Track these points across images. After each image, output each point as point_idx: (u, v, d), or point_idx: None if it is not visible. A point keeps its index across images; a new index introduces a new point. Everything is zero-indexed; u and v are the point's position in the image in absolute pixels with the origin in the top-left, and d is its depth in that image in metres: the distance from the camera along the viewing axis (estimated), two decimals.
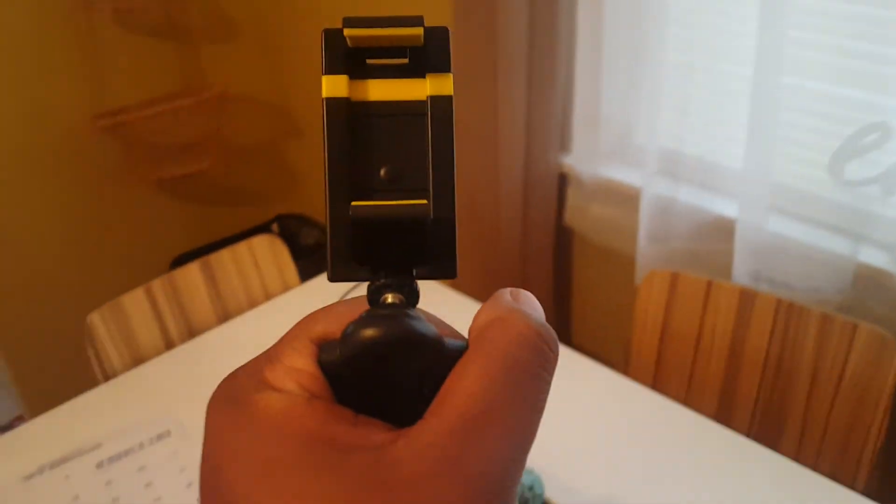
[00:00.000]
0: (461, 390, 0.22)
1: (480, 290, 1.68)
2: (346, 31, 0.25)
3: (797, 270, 1.25)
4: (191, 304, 1.44)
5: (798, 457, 1.28)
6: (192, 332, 1.43)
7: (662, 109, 1.38)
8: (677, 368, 1.37)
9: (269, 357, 0.25)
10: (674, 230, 1.40)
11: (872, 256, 1.20)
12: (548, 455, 1.05)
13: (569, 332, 1.84)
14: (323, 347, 0.25)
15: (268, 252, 1.53)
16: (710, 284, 1.29)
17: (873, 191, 1.18)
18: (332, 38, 0.25)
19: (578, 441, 1.09)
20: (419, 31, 0.25)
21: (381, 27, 0.25)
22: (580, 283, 1.76)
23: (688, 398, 1.37)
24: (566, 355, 1.26)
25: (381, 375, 0.24)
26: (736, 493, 1.00)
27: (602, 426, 1.12)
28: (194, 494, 1.02)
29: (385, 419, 0.23)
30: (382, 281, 0.25)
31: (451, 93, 0.25)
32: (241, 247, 1.50)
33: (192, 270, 1.45)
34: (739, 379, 1.30)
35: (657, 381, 1.40)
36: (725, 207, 1.35)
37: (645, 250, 1.43)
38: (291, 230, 2.28)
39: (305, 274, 1.52)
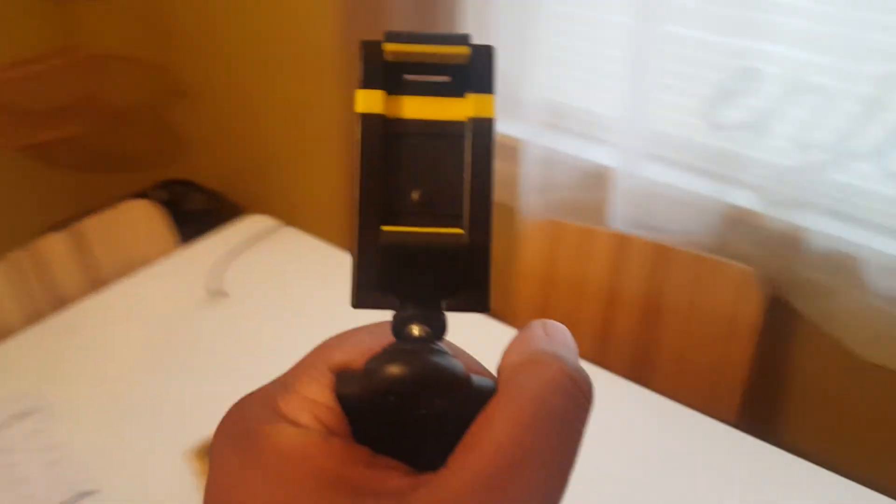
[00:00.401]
0: (488, 439, 0.21)
1: None
2: (388, 47, 0.24)
3: (671, 215, 1.27)
4: (58, 275, 1.36)
5: (672, 394, 1.32)
6: (61, 304, 1.35)
7: (545, 61, 1.37)
8: (559, 316, 1.39)
9: (283, 384, 0.23)
10: (556, 180, 1.41)
11: (742, 198, 1.23)
12: None
13: None
14: (341, 378, 0.23)
15: (142, 218, 1.46)
16: (587, 232, 1.31)
17: (744, 134, 1.20)
18: (371, 50, 0.24)
19: None
20: (465, 50, 0.24)
21: (426, 44, 0.24)
22: None
23: None
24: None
25: (404, 414, 0.22)
26: (612, 430, 1.03)
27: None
28: (57, 473, 0.97)
29: (404, 459, 0.22)
30: (409, 312, 0.24)
31: (494, 115, 0.24)
32: (112, 213, 1.43)
33: (58, 239, 1.37)
34: (616, 322, 1.33)
35: None
36: (604, 156, 1.36)
37: (528, 202, 1.44)
38: (178, 196, 2.20)
39: (191, 240, 1.47)
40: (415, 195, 0.24)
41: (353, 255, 0.24)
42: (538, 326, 0.25)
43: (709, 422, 1.04)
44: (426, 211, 0.24)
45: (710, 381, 1.27)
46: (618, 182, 1.30)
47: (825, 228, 1.15)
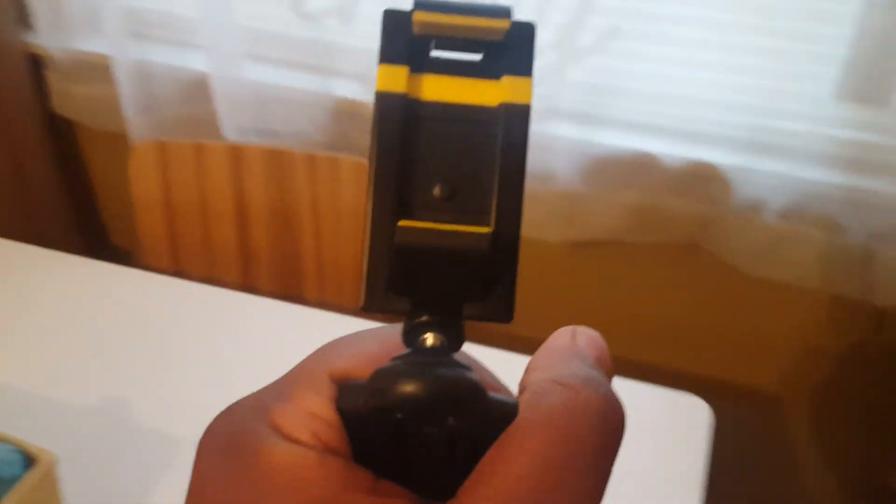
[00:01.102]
0: (506, 472, 0.19)
1: None
2: (417, 16, 0.21)
3: (280, 116, 1.22)
4: None
5: (323, 301, 1.31)
6: None
7: None
8: (193, 244, 1.30)
9: (279, 393, 0.21)
10: (159, 97, 1.28)
11: (347, 89, 1.21)
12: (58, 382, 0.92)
13: (102, 233, 1.66)
14: (344, 390, 0.21)
15: None
16: (199, 147, 1.21)
17: (332, 23, 1.17)
18: (394, 20, 0.21)
19: (86, 350, 0.97)
20: (505, 23, 0.21)
21: (462, 14, 0.21)
22: (96, 176, 1.58)
23: (212, 273, 1.31)
24: (83, 264, 1.12)
25: (413, 434, 0.20)
26: (267, 353, 0.97)
27: (108, 327, 1.01)
28: None
29: (408, 484, 0.20)
30: (424, 318, 0.21)
31: (530, 101, 0.22)
32: None
33: None
34: (252, 239, 1.27)
35: (178, 263, 1.32)
36: (200, 63, 1.25)
37: (135, 124, 1.30)
38: None
39: None
40: (436, 188, 0.21)
41: (364, 251, 0.21)
42: (567, 335, 0.22)
43: (364, 323, 1.03)
44: (448, 205, 0.21)
45: (355, 281, 1.27)
46: (217, 89, 1.21)
47: None
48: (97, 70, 1.33)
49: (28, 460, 0.67)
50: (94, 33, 1.30)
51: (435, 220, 0.21)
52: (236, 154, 1.21)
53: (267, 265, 1.29)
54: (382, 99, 0.21)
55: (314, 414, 0.21)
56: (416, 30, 0.21)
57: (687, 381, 1.35)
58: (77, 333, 1.00)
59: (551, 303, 1.36)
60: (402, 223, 0.20)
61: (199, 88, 1.25)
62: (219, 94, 1.21)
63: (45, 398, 0.90)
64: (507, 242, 0.21)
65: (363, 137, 1.23)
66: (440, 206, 0.22)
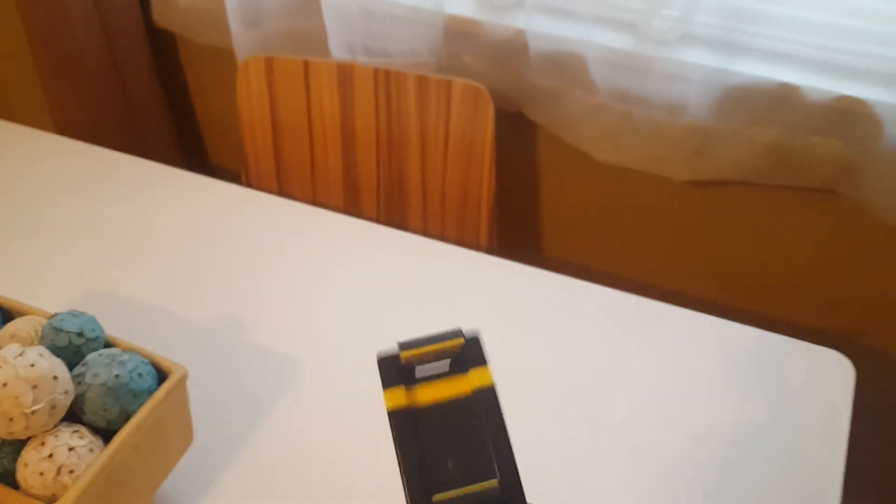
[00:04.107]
0: None
1: (90, 129, 1.52)
2: (404, 354, 0.34)
3: (390, 34, 1.24)
4: None
5: (426, 230, 1.35)
6: None
7: None
8: (298, 165, 1.35)
9: None
10: (265, 9, 1.32)
11: (458, 7, 1.22)
12: (156, 284, 1.00)
13: (202, 151, 1.74)
14: None
15: None
16: (307, 64, 1.25)
17: None
18: (386, 360, 0.34)
19: (200, 265, 1.04)
20: (461, 340, 0.34)
21: (432, 343, 0.34)
22: (197, 91, 1.65)
23: (315, 195, 1.37)
24: (192, 180, 1.19)
25: None
26: (371, 277, 1.02)
27: (218, 243, 1.08)
28: None
29: None
30: None
31: (493, 382, 0.32)
32: None
33: None
34: (357, 162, 1.31)
35: (282, 184, 1.38)
36: None
37: (239, 38, 1.34)
38: None
39: None
40: (450, 463, 0.30)
41: None
42: None
43: (464, 252, 1.07)
44: (462, 475, 0.30)
45: (459, 209, 1.30)
46: (326, 4, 1.23)
47: (545, 28, 1.17)
48: None
49: (160, 373, 0.73)
50: None
51: (457, 486, 0.31)
52: (344, 72, 1.24)
53: (370, 191, 1.33)
54: (394, 415, 0.32)
55: None
56: (403, 362, 0.33)
57: (821, 336, 1.34)
58: (189, 250, 1.07)
59: (665, 245, 1.36)
60: (436, 497, 0.30)
61: (306, 2, 1.28)
62: (327, 9, 1.24)
63: (163, 311, 0.98)
64: (512, 486, 0.31)
65: (476, 59, 1.24)
66: (457, 476, 0.31)
